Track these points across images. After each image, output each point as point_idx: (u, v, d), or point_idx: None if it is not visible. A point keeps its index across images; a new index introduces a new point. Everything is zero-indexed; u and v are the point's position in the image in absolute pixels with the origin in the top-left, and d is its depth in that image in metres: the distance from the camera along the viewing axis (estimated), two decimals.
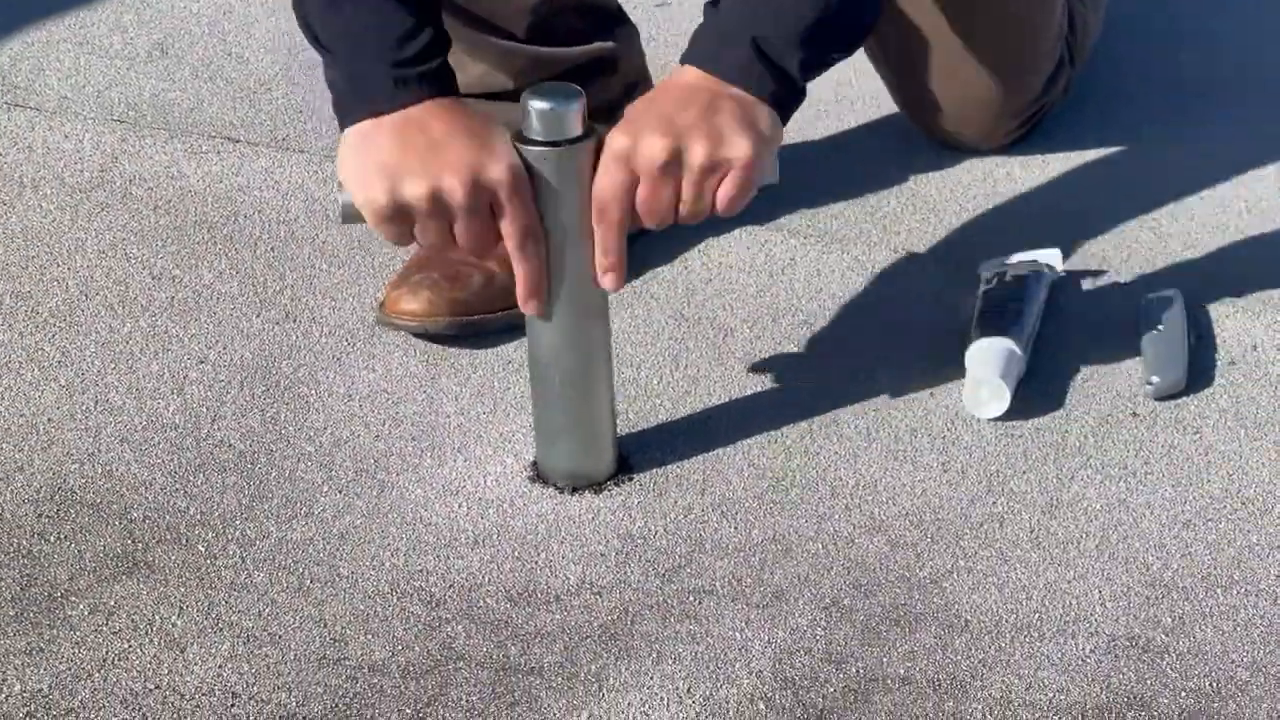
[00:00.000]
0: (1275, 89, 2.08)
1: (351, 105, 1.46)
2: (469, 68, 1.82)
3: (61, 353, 1.72)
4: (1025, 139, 1.98)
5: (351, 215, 1.47)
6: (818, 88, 2.08)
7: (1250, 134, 2.00)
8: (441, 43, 1.49)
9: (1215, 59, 2.13)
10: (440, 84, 1.47)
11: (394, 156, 1.43)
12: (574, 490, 1.57)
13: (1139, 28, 2.18)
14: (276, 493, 1.57)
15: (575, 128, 1.46)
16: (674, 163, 1.45)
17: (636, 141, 1.45)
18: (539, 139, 1.46)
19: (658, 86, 1.51)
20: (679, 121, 1.45)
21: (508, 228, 1.45)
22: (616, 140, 1.45)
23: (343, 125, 1.47)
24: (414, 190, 1.43)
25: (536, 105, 1.46)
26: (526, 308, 1.49)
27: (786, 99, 1.48)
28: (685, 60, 1.50)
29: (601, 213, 1.46)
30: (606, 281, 1.48)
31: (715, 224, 1.86)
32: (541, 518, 1.55)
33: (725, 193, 1.46)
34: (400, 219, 1.44)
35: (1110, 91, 2.06)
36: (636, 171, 1.45)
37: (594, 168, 1.46)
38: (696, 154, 1.44)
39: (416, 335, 1.72)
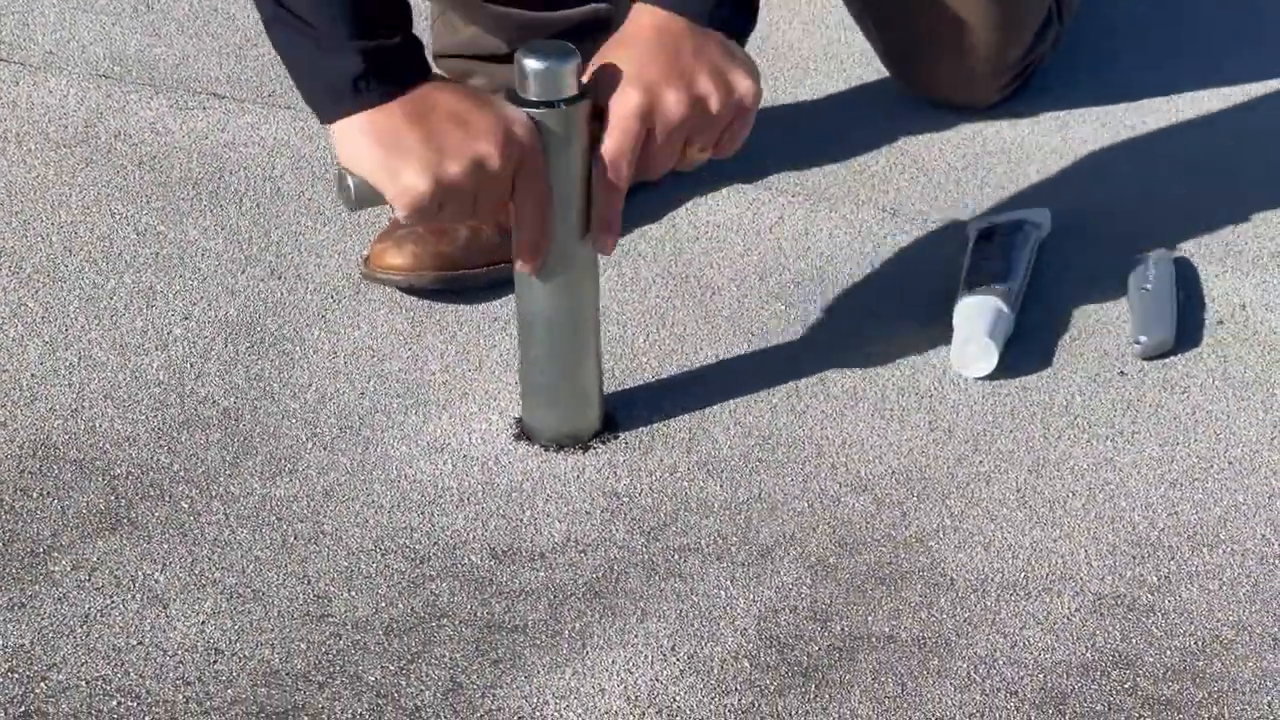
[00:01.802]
0: (1265, 49, 2.08)
1: (332, 98, 1.42)
2: (460, 30, 1.81)
3: (45, 308, 1.71)
4: (1015, 96, 1.97)
5: (366, 200, 1.43)
6: (807, 46, 2.08)
7: (1240, 94, 2.00)
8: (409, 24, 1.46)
9: (1205, 19, 2.12)
10: (424, 62, 1.45)
11: (421, 140, 1.40)
12: (559, 448, 1.56)
13: None
14: (261, 449, 1.56)
15: (572, 87, 1.44)
16: (692, 115, 1.43)
17: (654, 98, 1.42)
18: (535, 99, 1.44)
19: (625, 33, 1.47)
20: (686, 72, 1.43)
21: (526, 187, 1.43)
22: (632, 98, 1.42)
23: (327, 119, 1.43)
24: (455, 168, 1.40)
25: (532, 64, 1.44)
26: (525, 268, 1.48)
27: (745, 27, 1.48)
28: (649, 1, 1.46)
29: (611, 172, 1.43)
30: (602, 245, 1.47)
31: (702, 182, 1.85)
32: (526, 475, 1.54)
33: (734, 135, 1.45)
34: (439, 201, 1.41)
35: (1099, 51, 2.06)
36: (653, 128, 1.43)
37: (589, 124, 1.45)
38: (715, 103, 1.43)
39: (402, 290, 1.71)
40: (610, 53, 1.46)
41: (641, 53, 1.45)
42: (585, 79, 1.45)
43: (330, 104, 1.43)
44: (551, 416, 1.56)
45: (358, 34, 1.41)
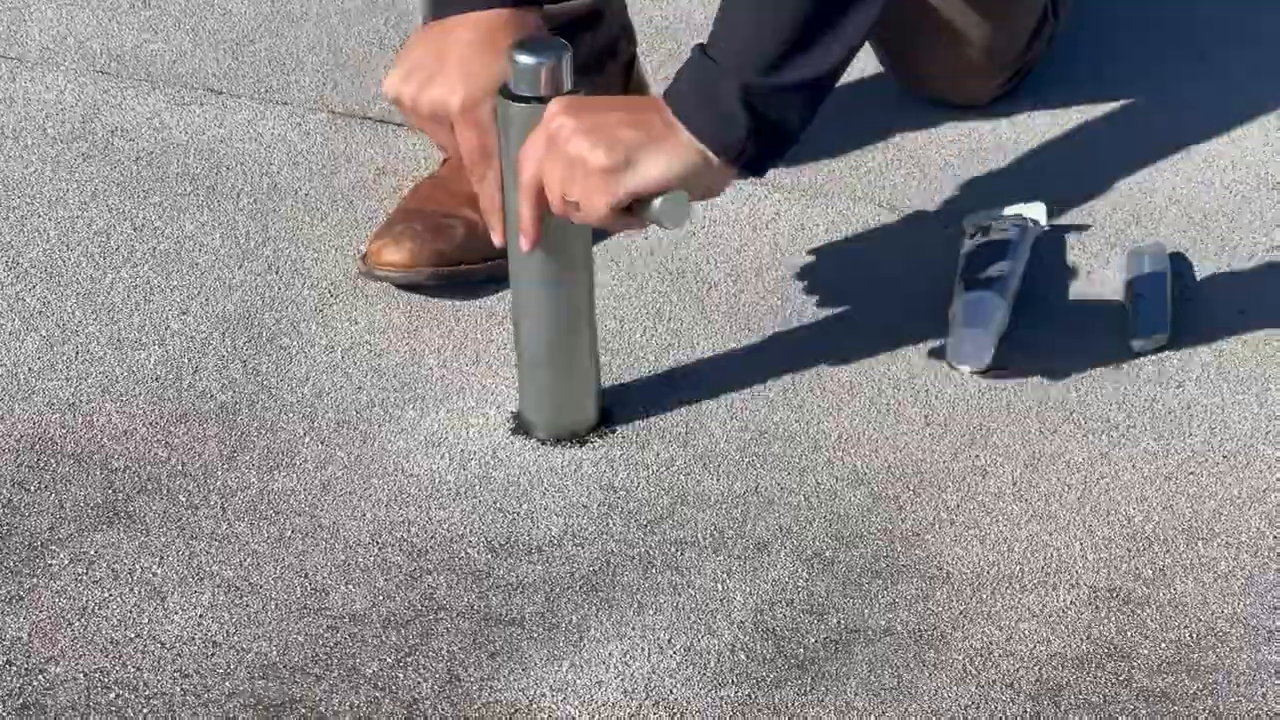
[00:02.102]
0: (1259, 44, 2.08)
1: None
2: None
3: (42, 303, 1.71)
4: (1011, 95, 1.97)
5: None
6: None
7: (1235, 90, 2.00)
8: None
9: (1201, 17, 2.13)
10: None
11: (419, 55, 1.55)
12: (556, 442, 1.56)
13: None
14: (258, 443, 1.57)
15: (563, 84, 1.46)
16: (563, 148, 1.43)
17: (566, 125, 1.43)
18: (525, 94, 1.46)
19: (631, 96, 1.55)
20: (606, 114, 1.43)
21: (478, 169, 1.54)
22: (551, 111, 1.44)
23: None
24: (420, 93, 1.54)
25: (522, 60, 1.46)
26: (496, 240, 1.56)
27: (761, 155, 1.47)
28: (667, 96, 1.47)
29: (516, 172, 1.47)
30: (521, 242, 1.49)
31: None
32: (523, 469, 1.55)
33: (576, 216, 1.46)
34: (399, 101, 1.56)
35: (1095, 48, 2.06)
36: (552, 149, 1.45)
37: None
38: (562, 182, 1.43)
39: (399, 286, 1.72)
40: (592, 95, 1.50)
41: (606, 101, 1.48)
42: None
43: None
44: (548, 411, 1.56)
45: None
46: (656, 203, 1.43)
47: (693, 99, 1.44)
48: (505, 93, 1.48)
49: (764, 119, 1.44)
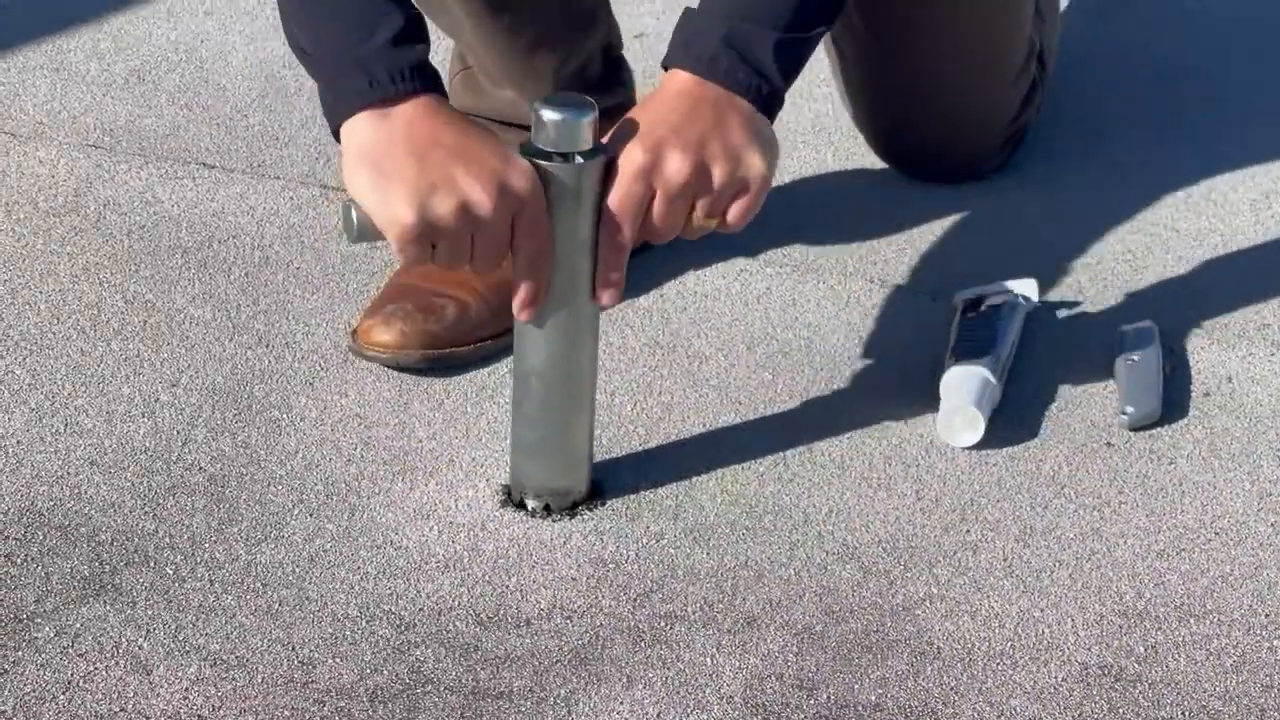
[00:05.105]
0: (1247, 119, 2.09)
1: (341, 101, 1.42)
2: (487, 93, 1.79)
3: (32, 375, 1.71)
4: (1000, 171, 1.98)
5: (368, 234, 1.42)
6: (795, 120, 2.09)
7: (1224, 166, 2.01)
8: (425, 35, 1.46)
9: (1192, 94, 2.14)
10: (431, 77, 1.45)
11: (416, 171, 1.40)
12: (547, 511, 1.56)
13: (1112, 60, 2.18)
14: (246, 515, 1.56)
15: (587, 140, 1.43)
16: (694, 182, 1.43)
17: (658, 158, 1.42)
18: (551, 150, 1.43)
19: (655, 96, 1.47)
20: (696, 137, 1.43)
21: (523, 241, 1.43)
22: (636, 155, 1.42)
23: (335, 125, 1.43)
24: (444, 206, 1.40)
25: (549, 115, 1.42)
26: (521, 315, 1.47)
27: (771, 102, 1.48)
28: (672, 64, 1.48)
29: (615, 229, 1.43)
30: (605, 298, 1.47)
31: (690, 253, 1.85)
32: (513, 542, 1.54)
33: (739, 210, 1.45)
34: (428, 237, 1.41)
35: (1084, 124, 2.07)
36: (655, 188, 1.43)
37: (603, 182, 1.44)
38: (719, 174, 1.43)
39: (389, 368, 1.71)
40: (633, 112, 1.47)
41: (656, 113, 1.45)
42: (605, 139, 1.45)
43: (339, 102, 1.43)
44: (541, 472, 1.55)
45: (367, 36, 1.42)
46: None
47: (724, 62, 1.45)
48: (551, 154, 1.42)
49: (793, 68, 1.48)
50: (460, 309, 1.71)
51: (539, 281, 1.45)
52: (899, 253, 1.88)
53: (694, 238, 1.48)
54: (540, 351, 1.50)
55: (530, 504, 1.56)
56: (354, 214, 1.43)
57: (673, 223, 1.45)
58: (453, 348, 1.71)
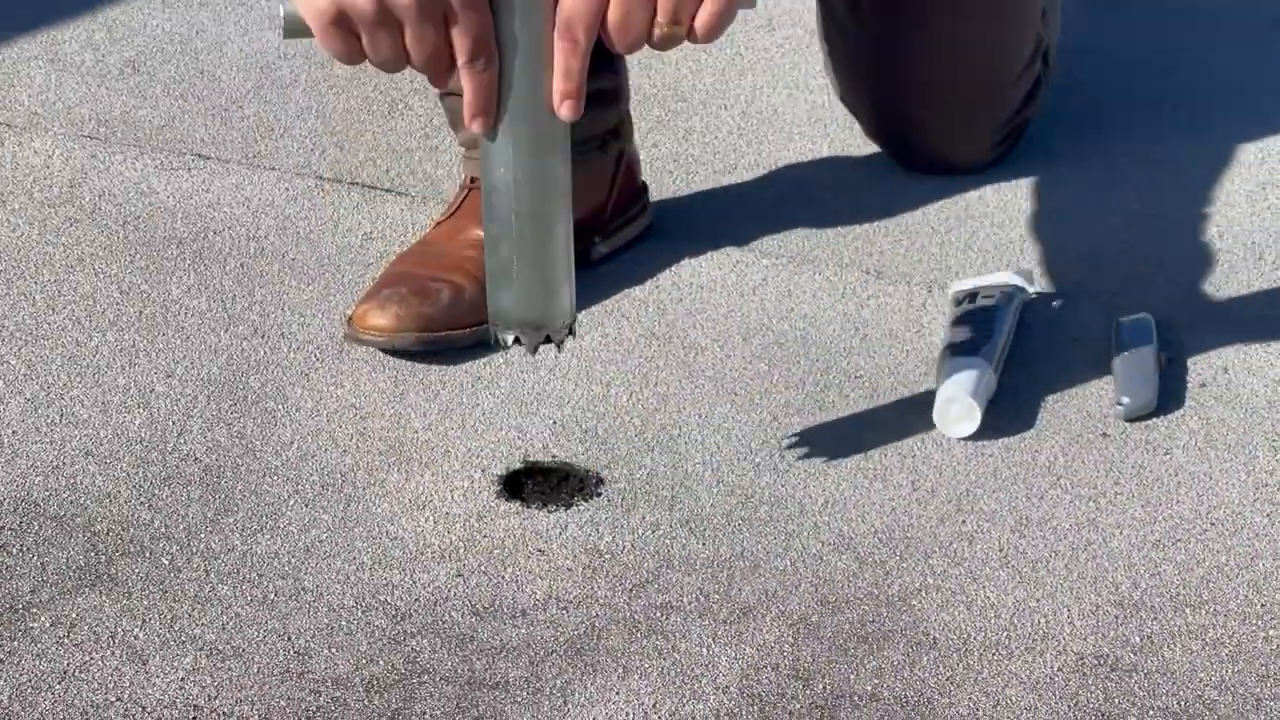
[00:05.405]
0: (1245, 110, 2.09)
1: None
2: None
3: (27, 366, 1.71)
4: (997, 162, 1.98)
5: (295, 28, 1.33)
6: (792, 111, 2.09)
7: (1221, 157, 2.01)
8: None
9: (1187, 84, 2.14)
10: None
11: None
12: (543, 505, 1.55)
13: (1109, 52, 2.18)
14: (242, 506, 1.56)
15: None
16: None
17: None
18: None
19: None
20: None
21: (459, 38, 1.33)
22: None
23: None
24: None
25: None
26: (473, 125, 1.37)
27: None
28: None
29: (566, 31, 1.34)
30: (564, 110, 1.37)
31: (686, 244, 1.86)
32: (509, 532, 1.54)
33: (706, 17, 1.34)
34: (346, 26, 1.31)
35: (1080, 116, 2.07)
36: None
37: None
38: (676, 6, 1.33)
39: (384, 351, 1.71)
40: None
41: None
42: None
43: None
44: (509, 301, 1.44)
45: None
46: None
47: None
48: None
49: None
50: (455, 293, 1.71)
51: (485, 84, 1.35)
52: (895, 244, 1.88)
53: (664, 49, 1.37)
54: (499, 167, 1.40)
55: (505, 339, 1.45)
56: (283, 7, 1.34)
57: (632, 27, 1.34)
58: (448, 330, 1.71)
